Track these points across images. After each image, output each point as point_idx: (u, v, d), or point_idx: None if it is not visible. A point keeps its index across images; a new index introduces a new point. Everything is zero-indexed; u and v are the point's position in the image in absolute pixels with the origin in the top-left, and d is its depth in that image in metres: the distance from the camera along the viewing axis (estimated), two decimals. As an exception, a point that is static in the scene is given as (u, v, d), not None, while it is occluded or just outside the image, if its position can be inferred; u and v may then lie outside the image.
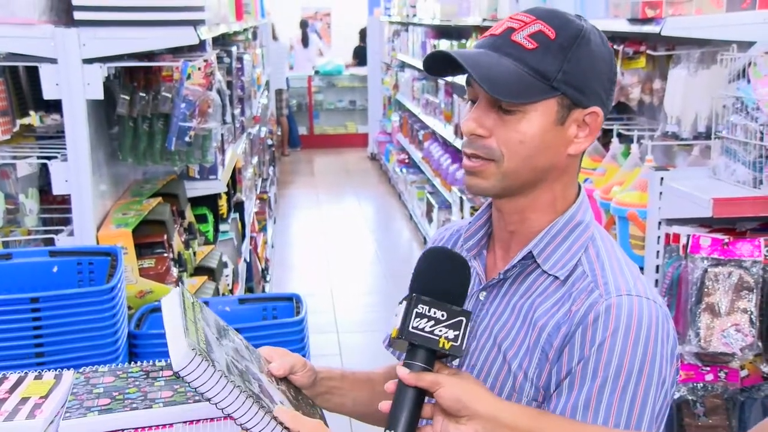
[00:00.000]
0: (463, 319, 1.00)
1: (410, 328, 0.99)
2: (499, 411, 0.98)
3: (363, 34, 12.11)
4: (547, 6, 1.20)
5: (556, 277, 1.14)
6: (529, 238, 1.17)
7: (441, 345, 0.99)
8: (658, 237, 2.08)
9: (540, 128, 1.11)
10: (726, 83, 2.00)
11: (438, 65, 1.14)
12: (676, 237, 2.02)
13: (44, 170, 2.15)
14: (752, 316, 1.86)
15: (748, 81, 1.91)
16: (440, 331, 0.99)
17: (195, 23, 2.12)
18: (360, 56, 12.10)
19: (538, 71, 1.08)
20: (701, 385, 1.97)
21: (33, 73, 2.03)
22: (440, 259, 1.08)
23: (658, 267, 2.09)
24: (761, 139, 1.85)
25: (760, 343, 1.87)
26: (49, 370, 1.42)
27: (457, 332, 1.00)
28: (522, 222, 1.18)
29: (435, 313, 1.00)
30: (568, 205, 1.18)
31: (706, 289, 1.87)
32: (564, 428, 0.99)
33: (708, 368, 1.95)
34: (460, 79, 5.33)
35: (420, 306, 1.00)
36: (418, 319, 1.00)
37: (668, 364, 1.07)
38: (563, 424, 1.01)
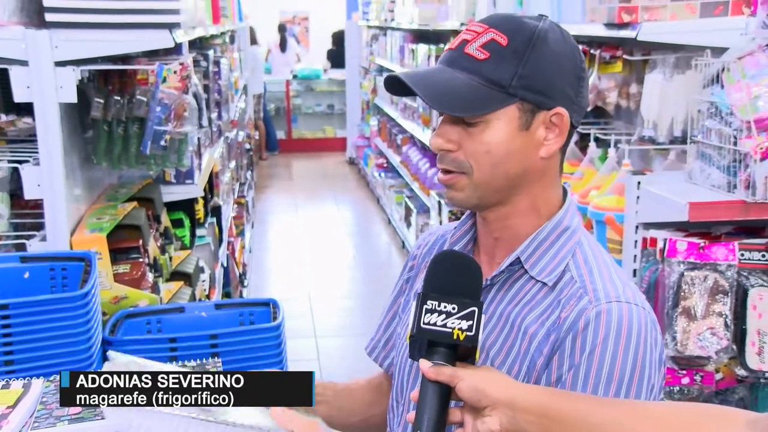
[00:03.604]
0: (475, 309, 0.99)
1: (422, 324, 0.99)
2: (515, 395, 0.96)
3: (336, 37, 12.09)
4: (522, 11, 1.20)
5: (544, 284, 1.13)
6: (514, 244, 1.16)
7: (455, 337, 0.98)
8: (635, 241, 2.09)
9: (504, 136, 1.10)
10: (701, 88, 2.02)
11: (397, 87, 1.14)
12: (653, 241, 2.03)
13: (15, 174, 2.11)
14: (727, 320, 1.87)
15: (722, 86, 1.93)
16: (453, 323, 0.98)
17: (170, 26, 2.10)
18: (334, 60, 12.07)
19: (491, 81, 1.08)
20: (677, 388, 1.98)
21: (3, 76, 1.99)
22: (447, 259, 1.07)
23: (635, 271, 2.10)
24: (735, 143, 1.87)
25: (734, 346, 1.89)
26: (17, 378, 1.39)
27: (470, 322, 0.98)
28: (506, 228, 1.17)
29: (445, 306, 0.99)
30: (552, 209, 1.17)
31: (682, 293, 1.88)
32: (579, 404, 0.97)
33: (684, 372, 1.96)
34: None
35: (429, 302, 0.99)
36: (429, 314, 0.99)
37: (656, 370, 1.07)
38: (578, 399, 0.99)
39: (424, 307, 0.99)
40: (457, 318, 0.99)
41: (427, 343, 1.00)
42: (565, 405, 0.96)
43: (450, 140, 1.12)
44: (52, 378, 1.35)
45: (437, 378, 0.97)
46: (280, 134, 11.59)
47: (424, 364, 0.98)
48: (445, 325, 0.98)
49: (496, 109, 1.09)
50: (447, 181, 1.14)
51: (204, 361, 1.49)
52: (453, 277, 1.03)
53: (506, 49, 1.08)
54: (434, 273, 1.04)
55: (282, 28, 12.17)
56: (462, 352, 1.00)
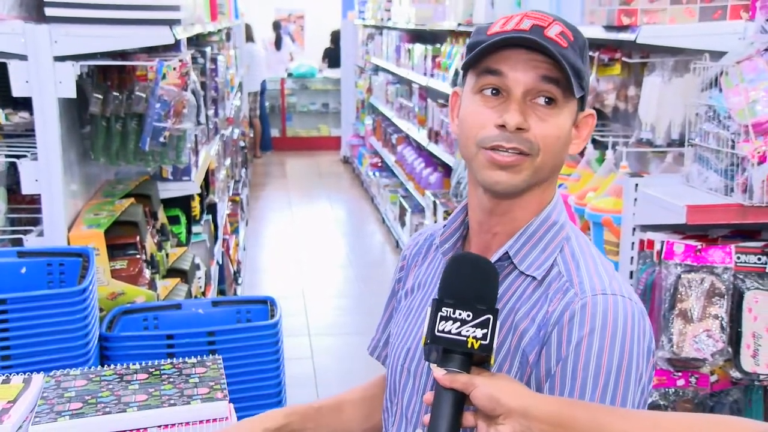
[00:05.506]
0: (490, 316, 0.98)
1: (436, 332, 0.98)
2: (530, 405, 0.96)
3: (334, 36, 12.09)
4: (521, 11, 1.19)
5: (534, 278, 1.14)
6: (509, 239, 1.17)
7: (470, 345, 0.97)
8: (633, 243, 2.10)
9: (568, 126, 1.13)
10: (699, 92, 2.03)
11: (489, 53, 1.10)
12: (650, 243, 2.04)
13: (12, 169, 2.10)
14: (723, 322, 1.89)
15: (720, 90, 1.94)
16: (467, 331, 0.98)
17: (170, 23, 2.09)
18: (331, 58, 12.07)
19: (575, 68, 1.09)
20: (673, 390, 1.99)
21: (2, 70, 1.98)
22: (462, 263, 1.05)
23: (632, 273, 2.10)
24: (732, 147, 1.88)
25: (729, 349, 1.90)
26: (17, 374, 1.38)
27: (485, 330, 0.98)
28: (510, 222, 1.17)
29: (460, 314, 0.98)
30: (545, 205, 1.18)
31: (679, 295, 1.89)
32: (595, 414, 0.97)
33: (679, 374, 1.97)
34: (435, 84, 5.34)
35: (444, 309, 0.99)
36: (444, 322, 0.98)
37: (645, 361, 1.08)
38: (594, 410, 0.99)
39: (439, 314, 0.98)
40: (472, 326, 0.98)
41: (442, 349, 0.99)
42: (581, 415, 0.96)
43: (527, 119, 1.10)
44: (52, 373, 1.35)
45: (452, 386, 0.97)
46: (275, 132, 11.57)
47: (438, 372, 0.98)
48: (459, 333, 0.98)
49: (578, 96, 1.12)
50: (510, 162, 1.10)
51: (203, 358, 1.48)
52: (469, 282, 1.02)
53: (574, 44, 1.10)
54: (450, 277, 1.03)
55: (277, 26, 12.15)
56: (477, 358, 0.99)
